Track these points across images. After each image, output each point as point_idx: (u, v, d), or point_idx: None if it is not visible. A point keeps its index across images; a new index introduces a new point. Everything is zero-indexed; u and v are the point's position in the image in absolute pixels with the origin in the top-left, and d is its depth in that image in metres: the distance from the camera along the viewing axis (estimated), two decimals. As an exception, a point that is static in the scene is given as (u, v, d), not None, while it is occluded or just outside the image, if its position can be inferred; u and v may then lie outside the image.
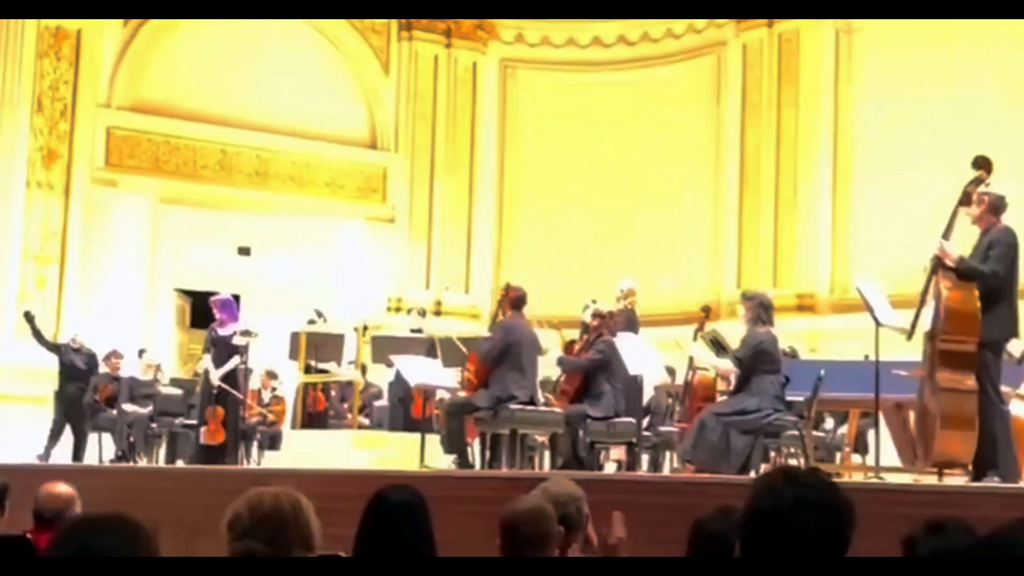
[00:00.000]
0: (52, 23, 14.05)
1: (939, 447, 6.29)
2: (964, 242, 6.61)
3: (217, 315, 10.99)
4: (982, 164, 6.57)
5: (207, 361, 10.90)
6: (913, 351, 7.96)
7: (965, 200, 6.47)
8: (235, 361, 10.72)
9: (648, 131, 15.62)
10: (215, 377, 10.64)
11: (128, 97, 14.73)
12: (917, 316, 6.52)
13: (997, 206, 6.44)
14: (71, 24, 14.13)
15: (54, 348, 12.79)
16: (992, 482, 6.00)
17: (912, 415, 7.26)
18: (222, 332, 10.87)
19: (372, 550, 3.45)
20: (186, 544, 7.11)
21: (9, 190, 13.90)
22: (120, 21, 14.47)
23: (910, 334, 6.57)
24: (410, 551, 3.40)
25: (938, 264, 6.37)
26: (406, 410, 11.78)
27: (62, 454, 12.33)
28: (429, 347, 11.12)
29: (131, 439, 12.24)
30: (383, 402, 12.76)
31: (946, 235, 6.45)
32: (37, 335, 12.56)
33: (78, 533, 2.11)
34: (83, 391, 12.58)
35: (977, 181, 6.53)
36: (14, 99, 13.96)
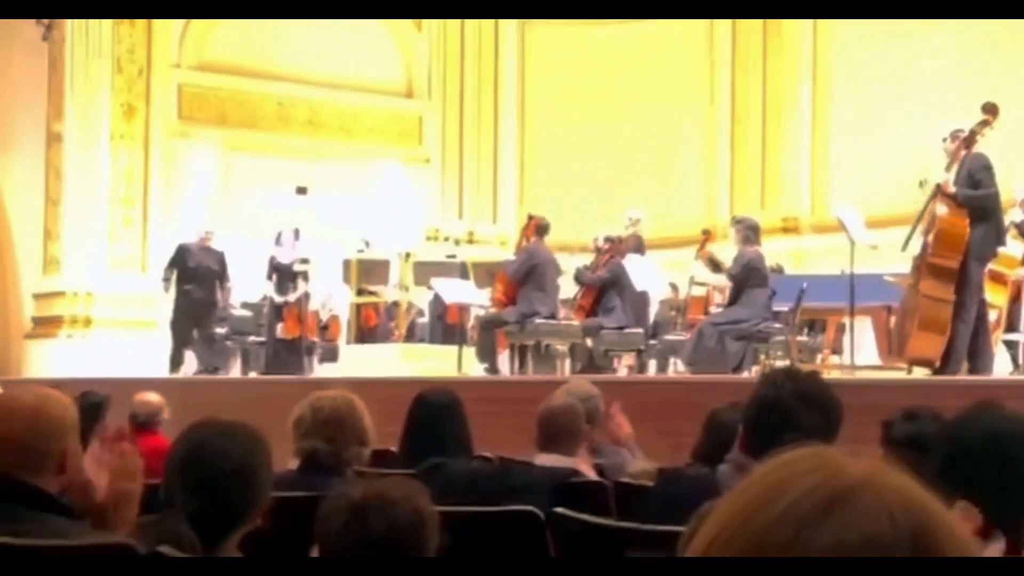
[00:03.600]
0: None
1: (913, 345, 6.32)
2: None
3: (277, 245, 11.10)
4: (989, 110, 6.45)
5: (270, 285, 11.02)
6: (879, 265, 7.94)
7: (971, 139, 6.35)
8: (303, 286, 10.83)
9: (651, 76, 15.43)
10: (293, 297, 10.75)
11: (196, 58, 14.65)
12: (912, 232, 6.50)
13: (970, 141, 6.37)
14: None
15: (176, 257, 11.02)
16: (948, 376, 6.04)
17: (894, 318, 7.28)
18: (283, 260, 10.94)
19: (415, 443, 3.49)
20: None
21: (97, 142, 13.92)
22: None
23: (904, 247, 6.56)
24: (448, 444, 3.44)
25: (937, 191, 6.32)
26: (444, 325, 11.84)
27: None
28: (462, 270, 11.15)
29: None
30: (424, 319, 12.82)
31: (947, 168, 6.38)
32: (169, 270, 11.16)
33: (199, 433, 2.12)
34: (213, 294, 10.83)
35: (983, 124, 6.41)
36: (97, 62, 13.92)
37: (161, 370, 12.21)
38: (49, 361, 13.25)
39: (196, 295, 10.87)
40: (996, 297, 7.19)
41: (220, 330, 12.27)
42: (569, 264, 9.83)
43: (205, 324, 10.99)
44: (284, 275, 10.87)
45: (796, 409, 2.23)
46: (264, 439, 2.12)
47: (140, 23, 14.10)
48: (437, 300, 11.49)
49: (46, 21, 14.06)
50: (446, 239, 14.52)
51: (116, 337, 13.42)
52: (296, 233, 11.30)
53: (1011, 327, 7.51)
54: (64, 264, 13.91)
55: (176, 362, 11.17)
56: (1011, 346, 7.61)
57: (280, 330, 10.71)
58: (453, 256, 12.65)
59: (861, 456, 0.78)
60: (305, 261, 10.82)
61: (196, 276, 10.90)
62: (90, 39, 13.87)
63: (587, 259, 9.97)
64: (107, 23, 13.88)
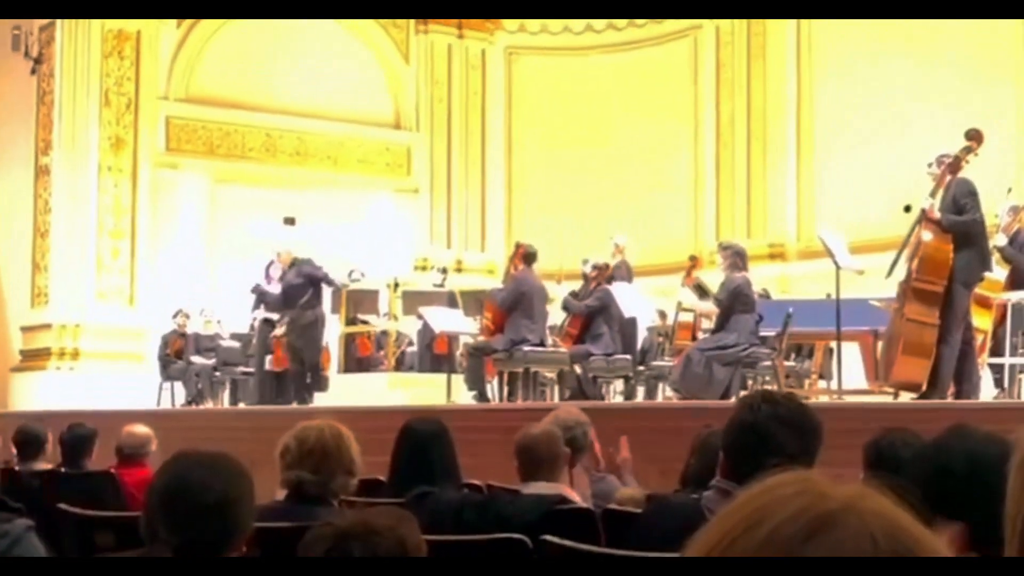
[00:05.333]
0: (114, 26, 13.98)
1: (898, 370, 6.33)
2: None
3: (266, 276, 11.05)
4: (973, 136, 6.48)
5: (260, 314, 10.98)
6: (865, 291, 7.97)
7: (955, 165, 6.38)
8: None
9: (635, 105, 15.52)
10: (279, 330, 10.69)
11: (184, 90, 14.67)
12: (897, 258, 6.52)
13: (955, 167, 6.41)
14: (131, 27, 14.06)
15: (267, 293, 10.49)
16: (932, 400, 6.04)
17: (880, 342, 7.29)
18: (271, 291, 10.93)
19: (403, 472, 3.47)
20: (248, 473, 7.16)
21: (85, 174, 13.91)
22: (174, 22, 14.39)
23: (889, 272, 6.58)
24: (435, 473, 3.42)
25: (922, 217, 6.35)
26: (432, 354, 11.81)
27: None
28: (451, 299, 11.14)
29: (199, 386, 12.31)
30: (414, 348, 12.78)
31: (932, 194, 6.40)
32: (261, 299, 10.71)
33: (179, 465, 2.09)
34: (316, 313, 10.20)
35: (967, 150, 6.44)
36: (85, 96, 13.93)
37: (149, 402, 12.15)
38: (37, 394, 13.18)
39: (301, 324, 10.27)
40: (981, 321, 7.22)
41: (208, 361, 12.24)
42: (557, 291, 9.83)
43: (312, 353, 10.46)
44: (272, 307, 10.84)
45: (774, 432, 2.22)
46: (245, 469, 2.09)
47: (128, 57, 14.13)
48: (426, 329, 11.46)
49: (35, 55, 14.08)
50: (434, 268, 14.50)
51: (104, 369, 13.36)
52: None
53: (996, 351, 7.53)
54: (52, 296, 13.86)
55: (300, 393, 10.37)
56: (996, 369, 7.63)
57: (269, 362, 10.62)
58: (441, 285, 12.64)
59: (844, 480, 0.78)
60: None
61: (291, 300, 10.32)
62: (78, 72, 13.89)
63: (575, 285, 9.98)
64: (95, 56, 13.91)
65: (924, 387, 6.27)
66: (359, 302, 12.53)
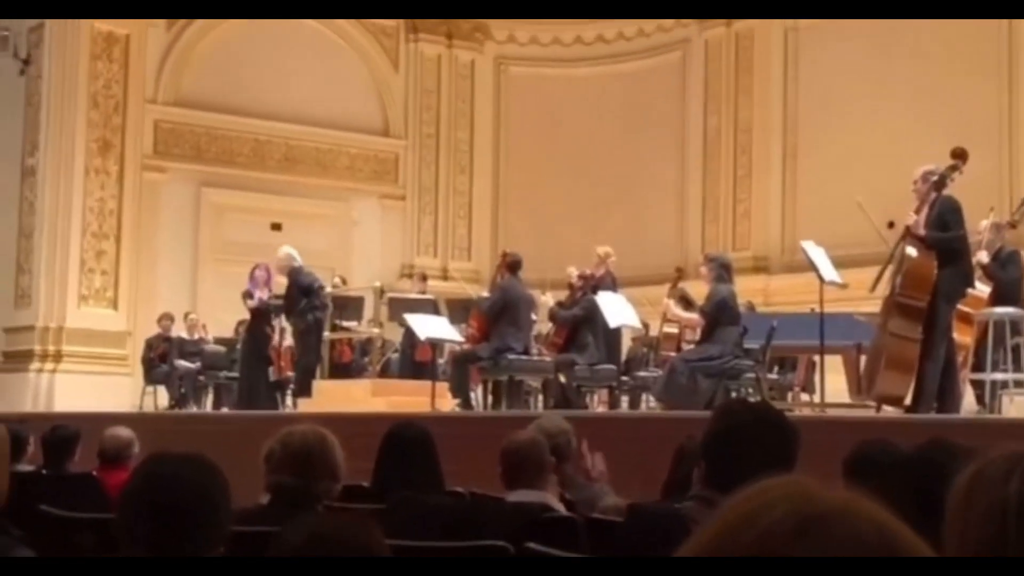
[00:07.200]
0: (103, 28, 13.93)
1: (881, 384, 6.35)
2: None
3: (250, 281, 11.04)
4: (959, 154, 6.53)
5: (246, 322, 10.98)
6: (849, 305, 8.00)
7: (941, 182, 6.43)
8: (277, 323, 10.78)
9: (623, 117, 15.57)
10: (276, 338, 10.71)
11: (172, 94, 14.64)
12: (881, 273, 6.56)
13: (940, 184, 6.46)
14: (120, 29, 14.02)
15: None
16: (917, 414, 6.07)
17: (864, 357, 7.32)
18: (257, 296, 10.91)
19: (386, 477, 3.46)
20: (230, 477, 7.12)
21: (71, 176, 13.85)
22: (163, 25, 14.34)
23: (873, 287, 6.61)
24: (419, 478, 3.41)
25: (907, 233, 6.39)
26: (413, 361, 11.78)
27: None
28: (435, 307, 11.14)
29: (182, 390, 12.26)
30: (398, 355, 12.75)
31: (917, 210, 6.45)
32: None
33: (153, 467, 2.08)
34: (312, 319, 10.14)
35: (952, 168, 6.49)
36: (73, 97, 13.88)
37: (132, 405, 12.09)
38: (19, 395, 13.10)
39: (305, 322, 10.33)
40: (963, 337, 7.26)
41: (192, 365, 12.19)
42: (542, 300, 9.83)
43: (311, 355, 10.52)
44: (258, 312, 10.82)
45: (751, 439, 2.23)
46: (219, 469, 2.08)
47: (117, 59, 14.08)
48: (408, 336, 11.45)
49: (23, 56, 14.02)
50: (412, 275, 14.48)
51: (87, 371, 13.29)
52: (268, 270, 11.25)
53: (978, 367, 7.57)
54: (35, 298, 13.79)
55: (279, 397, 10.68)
56: (978, 386, 7.67)
57: (272, 373, 10.64)
58: (423, 292, 12.63)
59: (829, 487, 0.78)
60: (278, 297, 10.77)
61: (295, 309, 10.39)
62: (66, 74, 13.84)
63: (560, 295, 9.99)
64: (84, 59, 13.85)
65: (908, 402, 6.30)
66: (343, 308, 12.51)
